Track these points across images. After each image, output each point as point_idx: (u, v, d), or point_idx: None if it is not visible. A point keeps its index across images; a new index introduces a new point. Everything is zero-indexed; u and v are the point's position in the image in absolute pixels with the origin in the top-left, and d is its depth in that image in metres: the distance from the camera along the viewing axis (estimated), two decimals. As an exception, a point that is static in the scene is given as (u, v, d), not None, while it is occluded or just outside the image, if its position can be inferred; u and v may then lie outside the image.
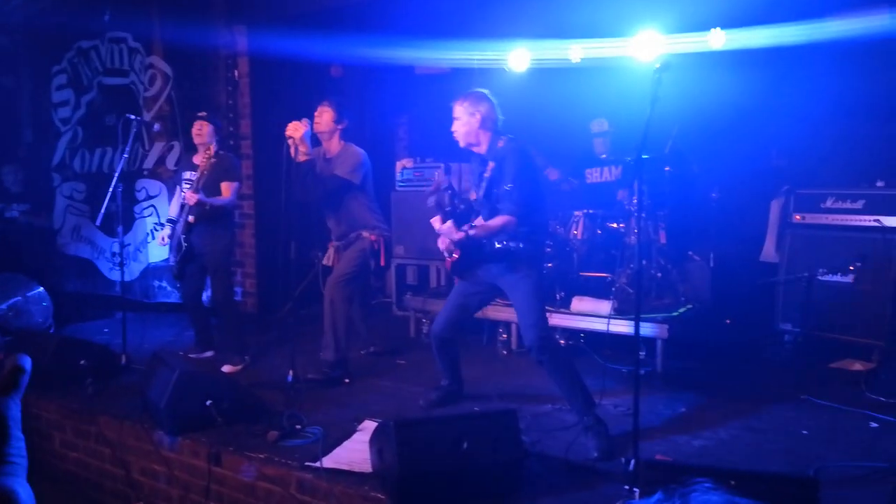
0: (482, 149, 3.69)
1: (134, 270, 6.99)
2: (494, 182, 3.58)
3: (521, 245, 3.53)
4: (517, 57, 6.21)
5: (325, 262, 4.66)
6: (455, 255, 3.68)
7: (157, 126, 6.27)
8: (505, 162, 3.55)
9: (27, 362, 0.69)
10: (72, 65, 7.46)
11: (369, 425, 3.50)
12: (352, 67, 6.95)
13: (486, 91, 3.74)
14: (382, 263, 4.66)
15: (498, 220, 3.51)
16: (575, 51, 5.88)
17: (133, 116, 4.95)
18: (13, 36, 7.75)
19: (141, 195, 6.95)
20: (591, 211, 5.44)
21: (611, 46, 5.60)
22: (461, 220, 3.49)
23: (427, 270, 6.50)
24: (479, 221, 3.56)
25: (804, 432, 3.56)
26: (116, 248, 5.84)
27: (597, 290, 5.21)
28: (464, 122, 3.64)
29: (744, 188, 5.73)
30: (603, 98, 5.80)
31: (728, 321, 5.44)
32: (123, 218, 4.89)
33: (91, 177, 7.31)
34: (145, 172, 6.91)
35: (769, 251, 5.42)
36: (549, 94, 6.15)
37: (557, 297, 5.13)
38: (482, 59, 6.16)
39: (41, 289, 6.04)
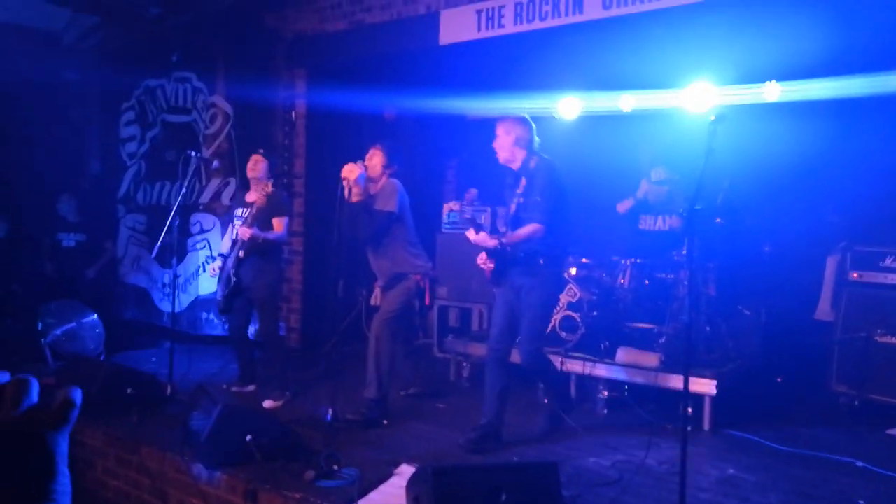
0: (516, 165, 4.12)
1: (183, 302, 7.17)
2: (526, 196, 4.00)
3: (540, 259, 3.96)
4: (567, 105, 6.26)
5: (371, 302, 4.70)
6: (490, 265, 4.05)
7: (216, 163, 6.48)
8: (536, 177, 3.99)
9: (78, 396, 0.67)
10: (139, 102, 7.83)
11: (406, 470, 3.47)
12: (405, 111, 7.10)
13: (526, 115, 4.17)
14: (427, 302, 4.69)
15: (527, 228, 3.95)
16: (626, 101, 5.89)
17: (193, 153, 5.12)
18: (86, 72, 8.18)
19: (195, 229, 7.17)
20: (639, 260, 5.37)
21: (663, 97, 5.60)
22: (492, 231, 3.94)
23: (469, 313, 6.47)
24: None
25: (860, 502, 3.38)
26: (167, 280, 5.99)
27: (642, 342, 5.10)
28: (501, 140, 4.09)
29: (798, 243, 5.59)
30: (655, 148, 5.76)
31: (779, 380, 5.25)
32: (178, 251, 5.03)
33: (151, 209, 7.59)
34: (201, 207, 7.14)
35: (824, 309, 5.24)
36: (598, 142, 6.15)
37: (602, 346, 5.04)
38: (532, 107, 6.22)
39: (95, 316, 6.22)
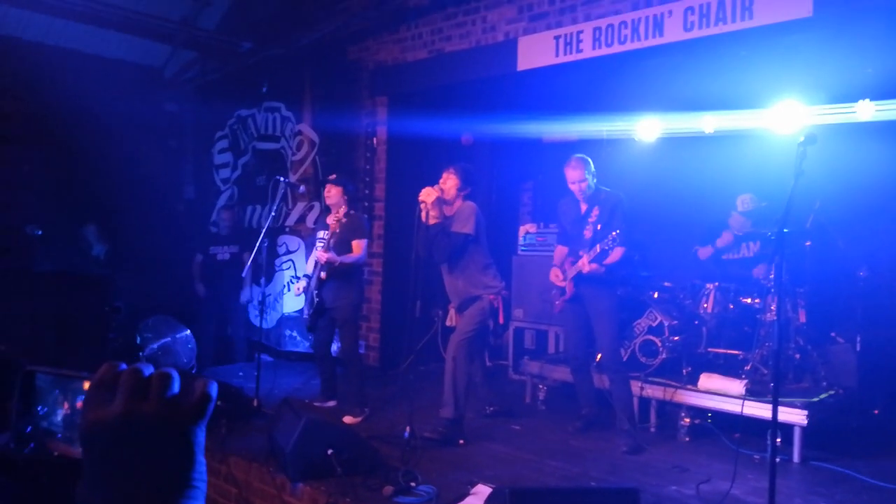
0: (586, 199, 4.68)
1: (272, 319, 7.45)
2: (603, 222, 4.51)
3: (604, 272, 4.53)
4: (646, 127, 6.20)
5: (447, 322, 4.78)
6: (570, 286, 4.64)
7: (302, 188, 6.73)
8: (615, 209, 4.55)
9: (214, 389, 0.71)
10: (232, 131, 8.28)
11: (482, 489, 3.48)
12: (482, 136, 7.21)
13: (584, 155, 4.71)
14: (501, 321, 4.74)
15: (618, 252, 4.51)
16: (708, 122, 5.78)
17: (282, 178, 5.34)
18: (182, 104, 8.73)
19: (281, 250, 7.47)
20: (723, 284, 5.22)
21: (747, 118, 5.47)
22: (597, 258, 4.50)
23: (545, 335, 6.44)
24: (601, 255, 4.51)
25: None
26: (256, 298, 6.24)
27: (726, 368, 4.96)
28: (589, 182, 4.62)
29: (897, 267, 5.29)
30: (738, 169, 5.61)
31: (876, 412, 4.96)
32: (266, 270, 5.22)
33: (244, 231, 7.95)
34: (287, 229, 7.44)
35: (926, 338, 4.93)
36: (679, 164, 6.05)
37: (684, 372, 4.92)
38: (611, 129, 6.21)
39: (188, 331, 6.56)
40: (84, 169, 7.37)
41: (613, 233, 4.38)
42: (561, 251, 4.86)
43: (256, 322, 7.45)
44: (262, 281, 5.17)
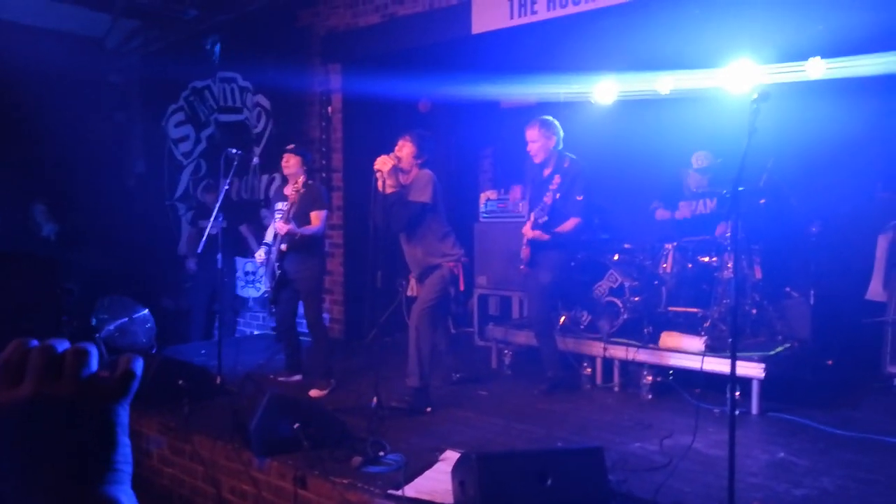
0: (549, 164, 4.67)
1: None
2: (562, 191, 4.51)
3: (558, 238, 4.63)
4: (603, 89, 6.19)
5: (408, 292, 4.76)
6: (527, 251, 4.74)
7: (256, 160, 6.59)
8: (577, 178, 4.56)
9: (139, 366, 0.65)
10: (188, 103, 8.00)
11: (451, 456, 3.49)
12: (439, 102, 7.11)
13: (552, 118, 4.69)
14: (462, 289, 4.73)
15: (571, 222, 4.60)
16: (664, 82, 5.79)
17: (235, 150, 5.17)
18: (128, 75, 8.39)
19: (265, 223, 7.38)
20: (681, 242, 5.29)
21: (702, 78, 5.50)
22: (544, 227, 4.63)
23: (509, 301, 6.47)
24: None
25: (919, 486, 3.28)
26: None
27: (686, 326, 5.04)
28: (540, 144, 4.61)
29: (848, 222, 5.44)
30: (694, 129, 5.66)
31: (830, 362, 5.13)
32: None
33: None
34: (262, 202, 7.32)
35: (876, 289, 5.09)
36: (636, 126, 6.08)
37: (645, 331, 4.99)
38: (568, 92, 6.18)
39: (146, 311, 6.40)
40: (28, 146, 7.07)
41: (555, 193, 4.51)
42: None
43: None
44: (219, 257, 5.05)
